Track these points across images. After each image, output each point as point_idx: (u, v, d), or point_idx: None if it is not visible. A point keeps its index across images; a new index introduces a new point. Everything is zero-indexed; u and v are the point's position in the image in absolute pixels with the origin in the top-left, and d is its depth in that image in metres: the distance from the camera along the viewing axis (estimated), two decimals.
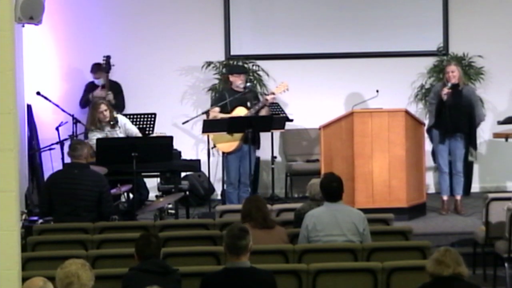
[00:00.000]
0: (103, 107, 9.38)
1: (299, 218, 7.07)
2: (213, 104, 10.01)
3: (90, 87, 10.79)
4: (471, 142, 9.70)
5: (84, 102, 10.81)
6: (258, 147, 10.14)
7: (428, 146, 9.98)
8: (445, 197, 9.80)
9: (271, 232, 6.65)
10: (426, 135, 9.82)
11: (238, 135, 9.58)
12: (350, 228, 6.58)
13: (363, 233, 6.60)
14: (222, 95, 9.85)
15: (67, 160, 8.94)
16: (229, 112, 9.59)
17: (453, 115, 9.48)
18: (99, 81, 10.75)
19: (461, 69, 9.85)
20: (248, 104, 9.63)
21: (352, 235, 6.57)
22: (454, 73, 9.53)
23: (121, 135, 9.41)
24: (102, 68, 10.61)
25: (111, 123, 9.37)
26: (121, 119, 9.59)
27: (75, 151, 7.96)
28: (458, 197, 9.77)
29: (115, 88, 10.70)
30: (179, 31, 11.23)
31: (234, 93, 9.72)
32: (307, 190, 7.35)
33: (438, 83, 9.94)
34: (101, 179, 8.01)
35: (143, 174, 9.39)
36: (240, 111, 9.67)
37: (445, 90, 9.40)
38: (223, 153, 9.91)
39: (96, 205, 7.87)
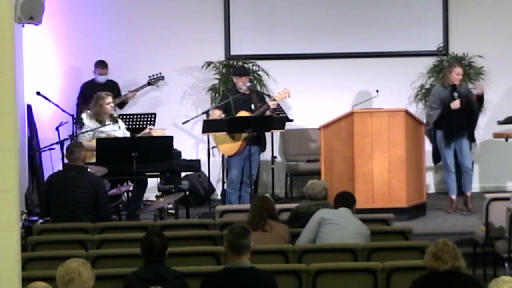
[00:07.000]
0: (109, 99, 9.42)
1: (296, 216, 7.11)
2: (218, 104, 9.98)
3: (88, 87, 10.70)
4: (472, 137, 9.81)
5: (82, 105, 10.74)
6: (264, 149, 10.07)
7: (427, 146, 9.98)
8: (453, 196, 9.83)
9: (273, 229, 6.67)
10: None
11: (240, 138, 9.57)
12: (355, 237, 6.62)
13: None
14: (227, 96, 9.84)
15: (66, 160, 8.94)
16: (232, 115, 9.58)
17: (457, 115, 9.54)
18: (102, 78, 10.72)
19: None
20: (252, 106, 9.62)
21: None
22: (459, 76, 9.61)
23: (118, 134, 9.41)
24: (106, 65, 10.67)
25: (114, 116, 9.39)
26: (121, 123, 9.61)
27: (72, 154, 7.94)
28: (468, 194, 9.84)
29: (116, 88, 10.70)
30: (179, 31, 11.22)
31: (237, 94, 9.70)
32: (305, 191, 7.33)
33: (437, 85, 9.95)
34: (97, 181, 7.97)
35: (146, 174, 9.39)
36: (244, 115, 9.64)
37: (457, 104, 9.50)
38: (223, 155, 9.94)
39: (93, 207, 7.84)
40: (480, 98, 9.87)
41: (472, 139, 9.89)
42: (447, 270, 5.01)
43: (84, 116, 9.47)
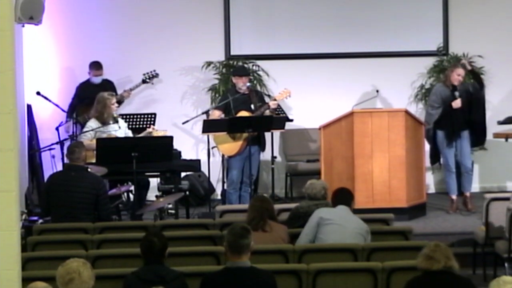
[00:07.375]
0: (114, 99, 9.45)
1: (296, 216, 7.11)
2: (217, 105, 9.98)
3: (84, 88, 10.67)
4: (478, 137, 9.78)
5: (74, 107, 10.66)
6: (264, 149, 10.07)
7: (427, 146, 9.98)
8: (453, 196, 9.83)
9: (273, 230, 6.68)
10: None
11: (240, 138, 9.57)
12: (355, 237, 6.61)
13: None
14: (226, 97, 9.84)
15: (67, 160, 8.94)
16: (232, 115, 9.58)
17: (458, 115, 9.55)
18: (98, 78, 10.70)
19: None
20: (252, 106, 9.62)
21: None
22: (459, 76, 9.59)
23: (119, 134, 9.41)
24: (101, 66, 10.65)
25: (114, 116, 9.41)
26: (122, 121, 9.61)
27: (73, 154, 7.94)
28: (468, 194, 9.84)
29: (112, 87, 10.68)
30: (179, 31, 11.22)
31: (237, 94, 9.70)
32: (305, 191, 7.33)
33: (438, 84, 9.96)
34: (98, 181, 7.96)
35: (146, 174, 9.39)
36: (244, 115, 9.63)
37: (459, 104, 9.49)
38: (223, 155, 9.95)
39: (93, 208, 7.84)
40: (476, 76, 9.87)
41: (478, 139, 9.85)
42: (440, 269, 5.04)
43: (92, 121, 9.43)
